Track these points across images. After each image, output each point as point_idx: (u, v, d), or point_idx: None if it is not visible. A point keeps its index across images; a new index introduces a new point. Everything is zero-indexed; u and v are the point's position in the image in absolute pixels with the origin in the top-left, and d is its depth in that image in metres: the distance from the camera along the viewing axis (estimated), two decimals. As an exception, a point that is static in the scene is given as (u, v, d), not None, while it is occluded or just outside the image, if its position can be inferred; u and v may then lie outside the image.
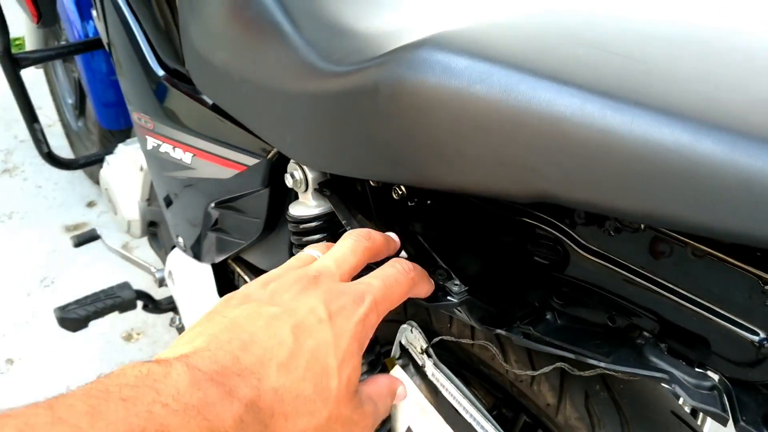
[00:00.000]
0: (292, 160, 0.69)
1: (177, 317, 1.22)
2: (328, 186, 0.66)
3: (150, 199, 1.19)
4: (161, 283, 1.24)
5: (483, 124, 0.43)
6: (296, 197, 0.72)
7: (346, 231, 0.71)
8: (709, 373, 0.46)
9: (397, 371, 0.77)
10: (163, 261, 1.23)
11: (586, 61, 0.42)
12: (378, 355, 0.77)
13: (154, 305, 1.24)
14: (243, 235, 0.86)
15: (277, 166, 0.74)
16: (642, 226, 0.47)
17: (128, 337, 1.64)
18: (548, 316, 0.57)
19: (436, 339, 0.74)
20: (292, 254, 0.85)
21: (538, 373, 0.62)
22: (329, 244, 0.54)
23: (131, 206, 1.20)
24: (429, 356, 0.74)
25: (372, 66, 0.49)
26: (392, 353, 0.80)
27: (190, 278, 1.05)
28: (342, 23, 0.61)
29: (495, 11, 0.51)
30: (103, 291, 1.18)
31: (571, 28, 0.46)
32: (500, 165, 0.43)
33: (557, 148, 0.40)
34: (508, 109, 0.42)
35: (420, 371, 0.76)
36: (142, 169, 1.14)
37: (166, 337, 1.65)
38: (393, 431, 0.80)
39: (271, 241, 0.86)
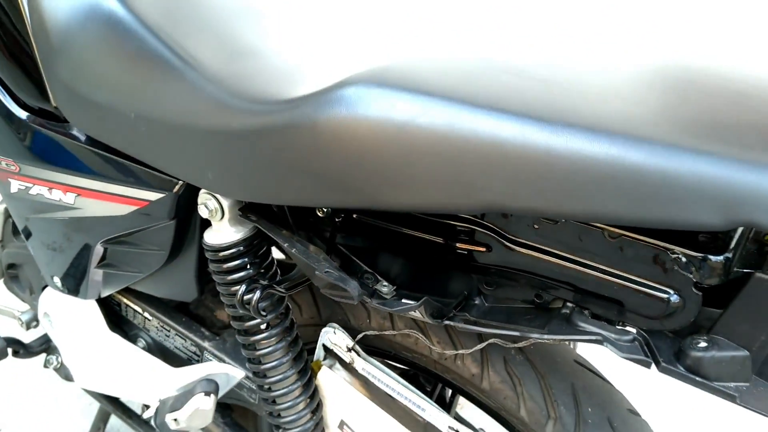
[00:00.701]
0: (202, 191, 0.70)
1: (53, 357, 1.15)
2: (251, 210, 0.68)
3: (4, 241, 1.10)
4: (29, 325, 1.17)
5: (431, 152, 0.48)
6: (207, 225, 0.73)
7: (267, 253, 0.74)
8: (627, 327, 0.56)
9: (324, 373, 0.82)
10: (29, 303, 1.16)
11: (512, 88, 0.48)
12: (306, 362, 0.80)
13: (25, 350, 1.15)
14: (141, 267, 0.85)
15: (185, 198, 0.73)
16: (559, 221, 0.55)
17: (-19, 387, 1.51)
18: (477, 302, 0.64)
19: (361, 335, 0.79)
20: (199, 279, 0.85)
21: (472, 350, 0.69)
22: None
23: (-18, 251, 1.11)
24: (357, 353, 0.78)
25: (307, 104, 0.52)
26: (316, 356, 0.83)
27: (72, 316, 1.00)
28: (240, 60, 0.63)
29: (403, 42, 0.56)
30: (-31, 346, 1.08)
31: (484, 54, 0.53)
32: (450, 185, 0.48)
33: (503, 167, 0.46)
34: (453, 137, 0.47)
35: (348, 368, 0.81)
36: (-8, 210, 1.06)
37: (23, 379, 1.54)
38: (325, 427, 0.84)
39: (171, 269, 0.85)
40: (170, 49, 0.65)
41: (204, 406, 0.80)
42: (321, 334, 0.82)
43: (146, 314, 0.98)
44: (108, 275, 0.91)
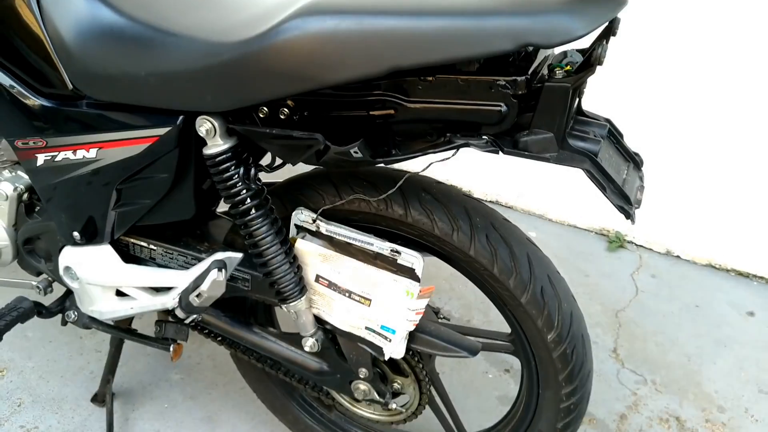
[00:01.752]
0: (199, 118, 1.01)
1: (70, 313, 1.41)
2: (236, 124, 1.00)
3: (18, 223, 1.35)
4: (45, 291, 1.42)
5: (352, 42, 0.82)
6: (203, 144, 1.04)
7: (247, 156, 1.05)
8: (483, 136, 0.92)
9: (299, 243, 1.14)
10: (44, 270, 1.40)
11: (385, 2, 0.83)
12: (286, 236, 1.12)
13: (47, 310, 1.40)
14: (151, 195, 1.14)
15: (184, 129, 1.04)
16: (432, 78, 0.90)
17: (-7, 376, 1.73)
18: (394, 151, 0.98)
19: (321, 209, 1.12)
20: (195, 197, 1.15)
21: (395, 188, 1.04)
22: None
23: (0, 236, 1.36)
24: (320, 220, 1.12)
25: (273, 32, 0.86)
26: (290, 234, 1.16)
27: (92, 262, 1.27)
28: (220, 20, 0.95)
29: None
30: (6, 306, 1.33)
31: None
32: (366, 60, 0.83)
33: (392, 41, 0.81)
34: (362, 31, 0.81)
35: (315, 233, 1.14)
36: (6, 197, 1.31)
37: (30, 364, 1.76)
38: (306, 284, 1.16)
39: (173, 194, 1.14)
40: (162, 29, 0.96)
41: (219, 277, 1.10)
42: (292, 216, 1.14)
43: (151, 246, 1.27)
44: (121, 214, 1.19)
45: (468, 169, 2.55)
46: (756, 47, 1.97)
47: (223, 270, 1.11)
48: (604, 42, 0.86)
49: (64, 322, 1.44)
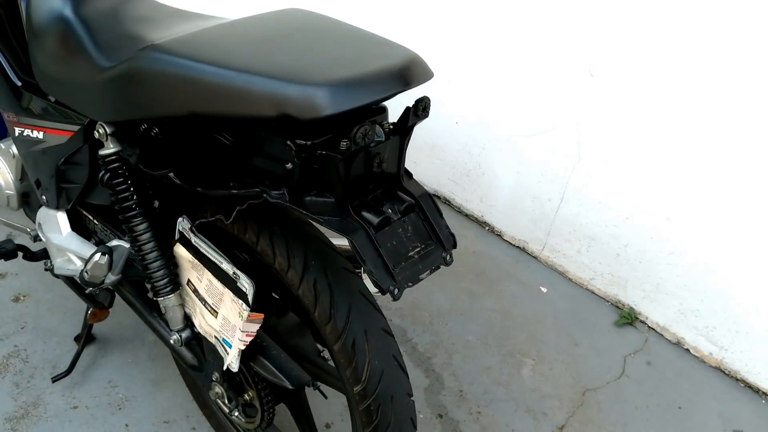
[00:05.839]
0: (97, 122, 1.15)
1: (48, 261, 1.63)
2: (119, 134, 1.13)
3: (22, 178, 1.60)
4: (36, 238, 1.66)
5: (198, 85, 0.91)
6: (102, 145, 1.18)
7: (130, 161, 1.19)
8: (283, 189, 0.97)
9: (177, 247, 1.25)
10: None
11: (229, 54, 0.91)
12: (166, 238, 1.23)
13: (31, 255, 1.64)
14: (78, 179, 1.31)
15: (89, 129, 1.19)
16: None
17: (16, 299, 2.02)
18: (231, 184, 1.06)
19: (197, 222, 1.22)
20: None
21: (233, 214, 1.11)
22: None
23: (9, 185, 1.61)
24: (193, 233, 1.22)
25: (130, 61, 0.97)
26: (175, 237, 1.27)
27: (50, 224, 1.47)
28: (120, 40, 1.09)
29: (189, 32, 1.00)
30: (-8, 244, 1.59)
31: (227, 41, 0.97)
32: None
33: (220, 92, 0.89)
34: (203, 78, 0.90)
35: (188, 243, 1.24)
36: (14, 156, 1.56)
37: (47, 296, 2.04)
38: (181, 285, 1.27)
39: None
40: (85, 42, 1.12)
41: (101, 261, 1.25)
42: (177, 222, 1.25)
43: (95, 221, 1.44)
44: (67, 189, 1.38)
45: (505, 212, 2.50)
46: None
47: (107, 255, 1.26)
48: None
49: (45, 268, 1.66)
